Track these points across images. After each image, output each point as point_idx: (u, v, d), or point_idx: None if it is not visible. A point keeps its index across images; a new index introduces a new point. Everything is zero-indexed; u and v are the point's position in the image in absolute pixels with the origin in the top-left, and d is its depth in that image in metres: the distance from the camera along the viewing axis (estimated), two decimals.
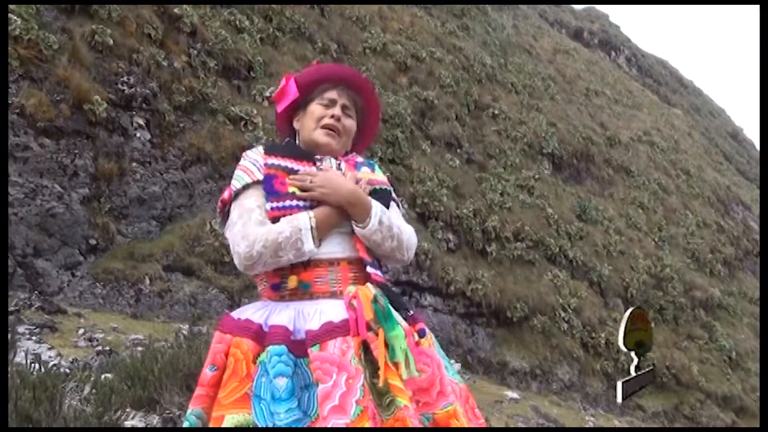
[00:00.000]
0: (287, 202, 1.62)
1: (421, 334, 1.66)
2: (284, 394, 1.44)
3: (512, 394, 8.51)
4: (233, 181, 1.69)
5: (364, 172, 1.80)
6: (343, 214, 1.64)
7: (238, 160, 1.79)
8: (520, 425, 6.65)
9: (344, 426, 1.38)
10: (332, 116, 1.78)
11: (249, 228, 1.59)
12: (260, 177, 1.66)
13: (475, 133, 13.80)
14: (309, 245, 1.57)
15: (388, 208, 1.74)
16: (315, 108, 1.81)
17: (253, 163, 1.70)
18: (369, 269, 1.64)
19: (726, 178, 23.31)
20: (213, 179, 7.79)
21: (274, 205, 1.62)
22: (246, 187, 1.66)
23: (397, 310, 1.60)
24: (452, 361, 9.16)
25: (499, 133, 14.24)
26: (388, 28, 13.97)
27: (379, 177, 1.82)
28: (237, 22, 9.84)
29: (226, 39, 9.11)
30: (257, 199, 1.64)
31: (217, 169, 7.81)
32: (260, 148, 1.76)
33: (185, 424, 1.54)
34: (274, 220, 1.60)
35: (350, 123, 1.83)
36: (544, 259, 12.24)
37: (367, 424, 1.39)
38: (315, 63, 1.91)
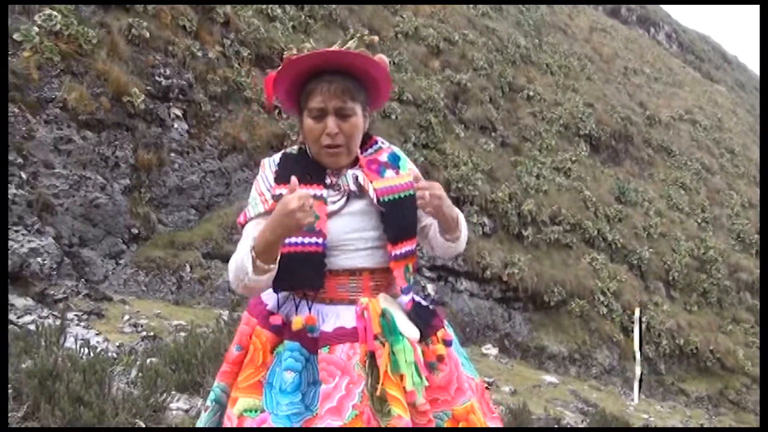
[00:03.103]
0: (294, 239, 1.56)
1: (448, 344, 1.70)
2: (289, 388, 1.52)
3: (550, 378, 8.45)
4: (249, 205, 1.66)
5: (389, 178, 1.68)
6: (281, 241, 1.48)
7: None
8: (559, 409, 6.60)
9: (338, 427, 1.44)
10: (328, 134, 1.60)
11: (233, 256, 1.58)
12: (271, 205, 1.60)
13: (509, 115, 13.60)
14: (249, 274, 1.49)
15: (409, 221, 1.67)
16: (308, 125, 1.63)
17: (267, 188, 1.65)
18: (404, 298, 1.64)
19: None
20: (249, 168, 7.89)
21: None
22: (258, 215, 1.62)
23: (421, 320, 1.63)
24: (488, 345, 9.04)
25: (535, 115, 14.00)
26: (420, 11, 13.83)
27: (404, 180, 1.69)
28: (269, 11, 9.89)
29: (258, 28, 9.18)
30: (257, 229, 1.58)
31: (252, 158, 7.90)
32: (276, 163, 1.68)
33: (211, 395, 1.67)
34: (283, 256, 1.55)
35: (350, 125, 1.62)
36: (581, 243, 12.04)
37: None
38: (286, 59, 1.63)
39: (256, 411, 1.54)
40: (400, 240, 1.64)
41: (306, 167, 1.66)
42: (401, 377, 1.53)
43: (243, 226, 1.65)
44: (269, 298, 1.68)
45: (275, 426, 1.49)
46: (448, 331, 1.73)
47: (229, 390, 1.63)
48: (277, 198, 1.59)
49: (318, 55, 1.62)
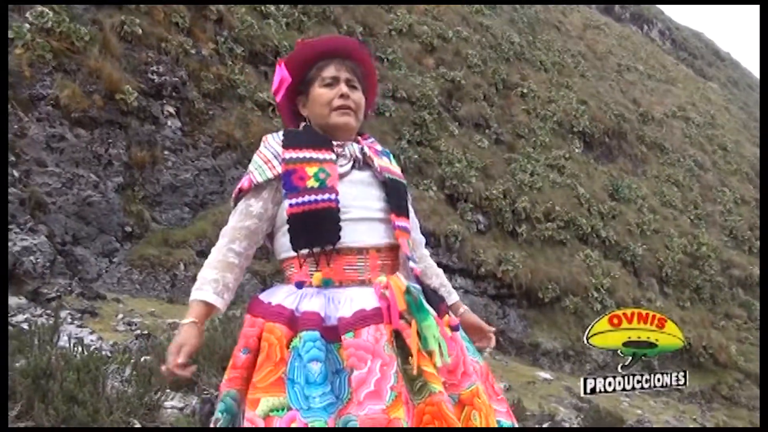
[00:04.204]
0: (306, 198, 1.61)
1: (455, 329, 1.68)
2: (318, 378, 1.46)
3: (545, 374, 8.48)
4: (253, 171, 1.68)
5: (386, 162, 1.79)
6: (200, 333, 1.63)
7: (281, 136, 1.77)
8: (554, 405, 6.63)
9: (380, 410, 1.40)
10: (341, 95, 1.71)
11: (227, 228, 1.69)
12: (280, 171, 1.65)
13: (503, 112, 13.61)
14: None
15: (406, 201, 1.77)
16: (319, 92, 1.73)
17: (274, 155, 1.68)
18: (411, 264, 1.66)
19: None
20: (243, 165, 7.87)
21: (293, 201, 1.62)
22: (267, 182, 1.66)
23: (429, 302, 1.63)
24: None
25: (528, 113, 14.02)
26: (414, 8, 13.82)
27: (396, 169, 1.82)
28: (262, 8, 9.86)
29: (252, 25, 9.14)
30: (255, 206, 1.67)
31: (246, 155, 7.88)
32: (280, 136, 1.73)
33: (221, 406, 1.56)
34: (294, 216, 1.61)
35: (358, 95, 1.76)
36: (575, 240, 12.08)
37: (401, 410, 1.42)
38: (299, 42, 1.81)
39: (282, 409, 1.45)
40: (400, 213, 1.71)
41: (313, 136, 1.73)
42: (430, 354, 1.51)
43: (243, 192, 1.69)
44: (270, 295, 1.66)
45: (307, 422, 1.42)
46: (453, 317, 1.73)
47: (240, 397, 1.54)
48: (287, 161, 1.65)
49: (332, 39, 1.84)
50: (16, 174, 5.75)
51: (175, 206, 7.20)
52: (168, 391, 3.31)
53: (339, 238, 1.60)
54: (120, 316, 5.30)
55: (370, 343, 1.48)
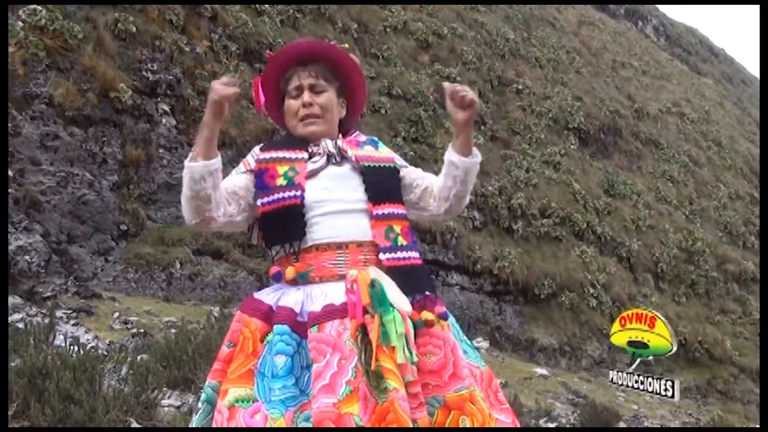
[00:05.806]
0: (275, 196, 1.64)
1: (443, 317, 1.64)
2: (281, 372, 1.48)
3: (541, 370, 8.51)
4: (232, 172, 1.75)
5: (368, 150, 1.78)
6: (212, 124, 1.59)
7: (261, 143, 1.84)
8: (550, 401, 6.66)
9: (331, 405, 1.39)
10: (303, 105, 1.74)
11: None
12: (253, 167, 1.71)
13: (498, 109, 13.62)
14: (187, 161, 1.58)
15: (390, 184, 1.74)
16: (288, 104, 1.78)
17: (252, 156, 1.76)
18: (382, 256, 1.63)
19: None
20: (238, 163, 7.85)
21: (265, 200, 1.64)
22: (241, 173, 1.73)
23: (411, 292, 1.60)
24: (479, 339, 9.06)
25: (524, 109, 14.03)
26: (409, 5, 13.81)
27: (384, 154, 1.80)
28: (257, 5, 9.83)
29: (246, 22, 9.11)
30: (231, 178, 1.71)
31: (241, 153, 7.85)
32: (261, 145, 1.82)
33: (203, 396, 1.62)
34: (265, 215, 1.64)
35: (324, 98, 1.76)
36: (571, 236, 12.11)
37: (356, 405, 1.40)
38: (268, 55, 1.85)
39: (248, 401, 1.48)
40: (381, 201, 1.68)
41: (290, 139, 1.79)
42: (393, 349, 1.47)
43: None
44: (261, 294, 1.68)
45: (268, 414, 1.43)
46: (439, 307, 1.67)
47: (219, 388, 1.57)
48: (260, 161, 1.71)
49: (290, 47, 1.83)
50: (10, 173, 5.72)
51: (170, 204, 7.17)
52: (165, 389, 3.31)
53: (304, 234, 1.62)
54: (116, 314, 5.28)
55: (332, 337, 1.49)
